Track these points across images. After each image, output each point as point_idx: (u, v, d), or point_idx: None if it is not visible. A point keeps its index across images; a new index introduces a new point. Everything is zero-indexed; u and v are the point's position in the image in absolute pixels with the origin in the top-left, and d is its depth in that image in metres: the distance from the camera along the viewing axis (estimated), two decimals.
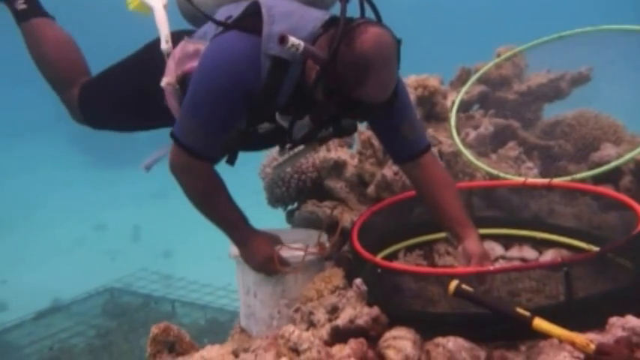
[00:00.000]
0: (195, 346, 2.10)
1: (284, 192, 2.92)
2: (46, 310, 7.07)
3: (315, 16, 1.99)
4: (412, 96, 3.02)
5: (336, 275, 2.23)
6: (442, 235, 2.48)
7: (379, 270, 1.99)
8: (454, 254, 2.43)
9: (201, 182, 2.13)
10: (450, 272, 1.99)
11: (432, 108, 3.18)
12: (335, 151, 2.91)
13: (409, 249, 2.52)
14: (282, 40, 1.78)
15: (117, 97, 2.44)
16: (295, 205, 3.00)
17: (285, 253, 2.26)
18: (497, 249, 2.47)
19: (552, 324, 1.63)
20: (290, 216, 2.98)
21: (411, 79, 3.13)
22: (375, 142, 2.83)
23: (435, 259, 2.47)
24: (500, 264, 2.37)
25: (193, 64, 2.09)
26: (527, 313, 1.67)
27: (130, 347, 6.03)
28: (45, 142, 20.38)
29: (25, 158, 19.34)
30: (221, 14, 2.13)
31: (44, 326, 6.60)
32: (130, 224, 14.14)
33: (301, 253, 2.26)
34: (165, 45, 2.20)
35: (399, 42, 1.87)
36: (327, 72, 1.82)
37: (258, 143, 2.27)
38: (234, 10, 2.08)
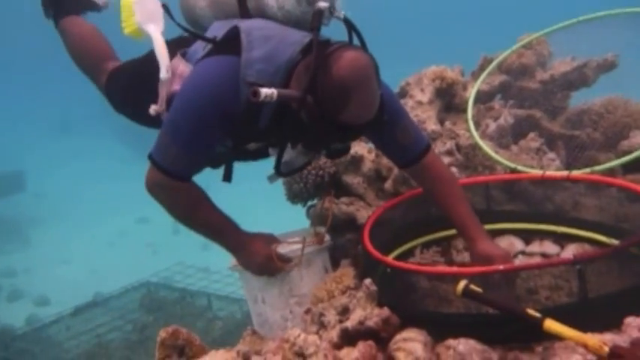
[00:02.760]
0: (206, 349, 2.08)
1: (302, 188, 2.87)
2: (84, 305, 7.08)
3: (294, 40, 1.97)
4: (430, 88, 2.97)
5: (347, 275, 2.20)
6: None
7: (388, 270, 1.95)
8: None
9: (181, 199, 2.14)
10: (457, 272, 1.93)
11: (450, 100, 3.11)
12: (352, 146, 2.86)
13: (426, 245, 2.46)
14: (255, 94, 1.75)
15: (128, 94, 2.49)
16: (315, 200, 2.97)
17: (283, 249, 2.24)
18: (517, 244, 2.40)
19: (564, 325, 1.56)
20: (309, 212, 2.95)
21: (429, 71, 3.07)
22: None
23: (453, 256, 2.41)
24: (520, 260, 2.31)
25: (178, 87, 2.11)
26: (537, 315, 1.60)
27: None
28: (91, 136, 20.84)
29: (71, 152, 19.80)
30: (212, 30, 2.15)
31: (82, 321, 6.63)
32: (170, 217, 14.31)
33: (299, 246, 2.24)
34: (165, 74, 2.19)
35: (375, 61, 1.88)
36: (306, 103, 1.81)
37: (251, 156, 2.27)
38: (223, 29, 2.10)
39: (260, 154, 2.24)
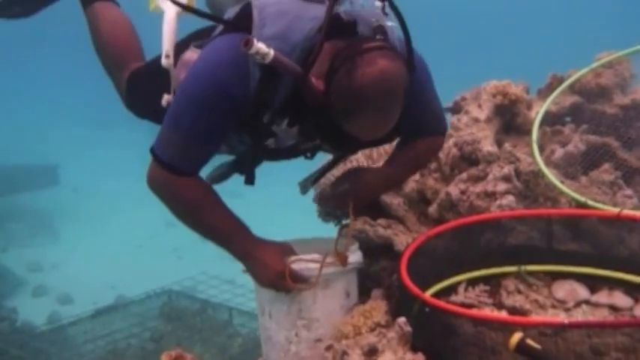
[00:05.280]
0: None
1: None
2: (104, 308, 7.06)
3: (313, 15, 1.79)
4: (489, 104, 2.72)
5: (377, 309, 1.94)
6: (513, 268, 2.16)
7: (427, 309, 1.69)
8: (526, 293, 2.09)
9: (185, 197, 1.96)
10: (512, 321, 1.66)
11: (512, 119, 2.83)
12: None
13: (472, 282, 2.17)
14: (246, 44, 1.63)
15: (151, 93, 2.27)
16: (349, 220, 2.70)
17: (298, 265, 1.97)
18: (580, 291, 2.09)
19: None
20: (342, 231, 2.67)
21: (489, 85, 2.81)
22: (442, 154, 2.55)
23: (503, 298, 2.10)
24: (584, 310, 2.00)
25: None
26: None
27: None
28: (130, 134, 21.19)
29: (109, 150, 20.08)
30: (227, 14, 1.99)
31: (101, 324, 6.57)
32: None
33: (317, 265, 1.97)
34: (165, 60, 2.08)
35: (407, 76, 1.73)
36: (310, 84, 1.70)
37: (276, 156, 2.10)
38: (237, 10, 1.95)
39: (287, 154, 2.06)
